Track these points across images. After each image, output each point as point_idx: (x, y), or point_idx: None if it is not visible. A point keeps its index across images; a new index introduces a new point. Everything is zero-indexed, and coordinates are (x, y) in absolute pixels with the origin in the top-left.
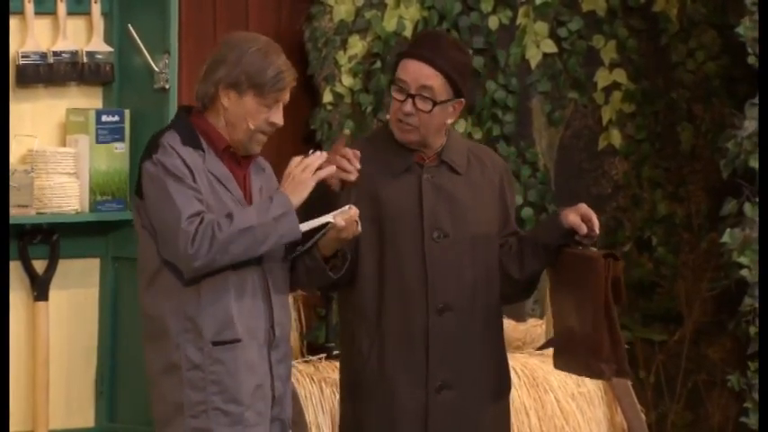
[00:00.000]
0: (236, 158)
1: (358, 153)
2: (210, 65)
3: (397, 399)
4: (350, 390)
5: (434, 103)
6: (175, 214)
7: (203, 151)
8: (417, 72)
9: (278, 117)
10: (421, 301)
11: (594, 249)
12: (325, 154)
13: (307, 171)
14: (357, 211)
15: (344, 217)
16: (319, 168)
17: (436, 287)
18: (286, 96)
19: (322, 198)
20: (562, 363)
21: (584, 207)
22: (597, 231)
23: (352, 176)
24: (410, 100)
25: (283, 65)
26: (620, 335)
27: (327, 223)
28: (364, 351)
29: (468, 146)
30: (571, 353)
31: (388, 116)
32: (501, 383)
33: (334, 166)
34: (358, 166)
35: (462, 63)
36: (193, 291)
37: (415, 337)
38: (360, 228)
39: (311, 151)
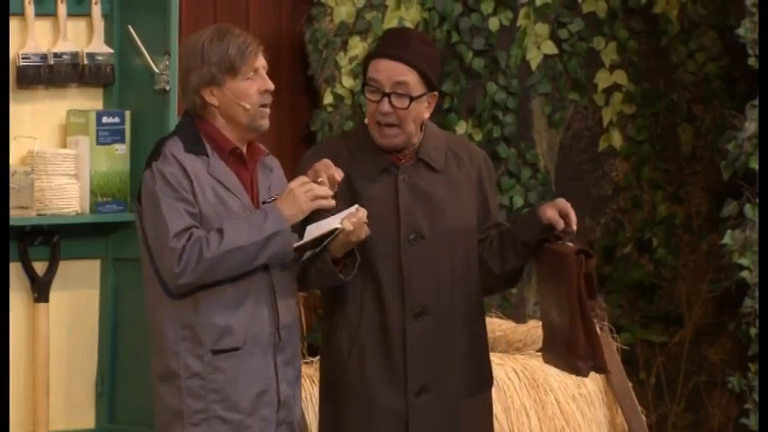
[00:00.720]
0: (243, 160)
1: (363, 212)
2: (183, 79)
3: (377, 402)
4: (330, 389)
5: (411, 99)
6: (164, 231)
7: (207, 156)
8: (390, 70)
9: (265, 83)
10: (398, 305)
11: (570, 244)
12: (341, 223)
13: (308, 195)
14: (365, 212)
15: (352, 220)
16: (320, 198)
17: (412, 291)
18: (261, 62)
19: None
20: (549, 357)
21: (561, 202)
22: (575, 226)
23: (332, 203)
24: (386, 99)
25: (240, 36)
26: (596, 330)
27: (336, 229)
28: (344, 352)
29: (446, 140)
30: (554, 347)
31: (368, 118)
32: (480, 381)
33: (333, 202)
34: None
35: (432, 56)
36: (191, 298)
37: (393, 340)
38: (368, 230)
39: (320, 180)
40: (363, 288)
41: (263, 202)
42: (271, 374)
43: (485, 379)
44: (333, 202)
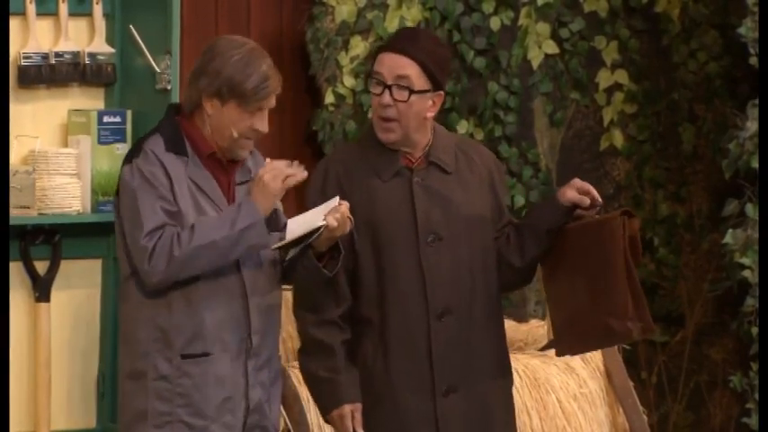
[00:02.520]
0: (222, 164)
1: (346, 206)
2: (194, 72)
3: (406, 406)
4: None
5: (411, 92)
6: (138, 228)
7: (187, 157)
8: (393, 63)
9: (262, 124)
10: (420, 307)
11: (597, 216)
12: (299, 166)
13: (276, 180)
14: (347, 206)
15: (336, 216)
16: (290, 176)
17: (434, 292)
18: (270, 103)
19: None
20: (567, 346)
21: (578, 181)
22: (600, 200)
23: (304, 174)
24: (387, 91)
25: (266, 72)
26: (642, 292)
27: (320, 227)
28: (369, 358)
29: (456, 141)
30: (582, 330)
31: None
32: (504, 378)
33: (305, 173)
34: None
35: (439, 54)
36: (164, 300)
37: (417, 342)
38: (352, 222)
39: (295, 163)
40: (383, 292)
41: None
42: (239, 381)
43: (508, 376)
44: (305, 174)
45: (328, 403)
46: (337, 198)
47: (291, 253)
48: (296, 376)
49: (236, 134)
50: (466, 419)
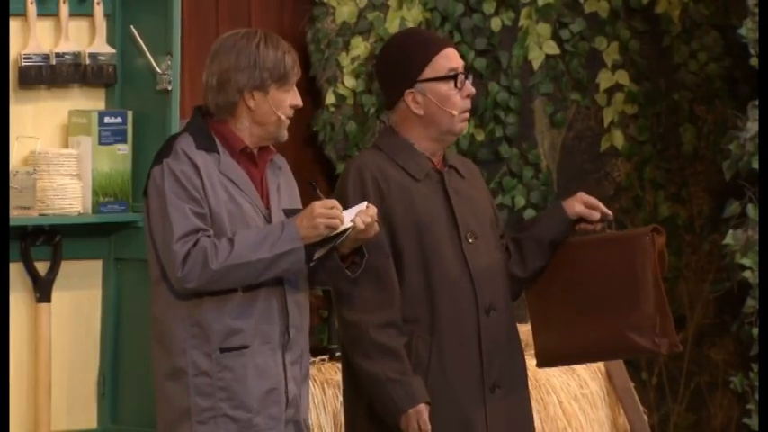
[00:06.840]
0: (253, 159)
1: (374, 209)
2: (222, 75)
3: (462, 403)
4: None
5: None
6: (169, 232)
7: (218, 154)
8: (455, 56)
9: (297, 98)
10: (470, 302)
11: (613, 231)
12: (367, 208)
13: (327, 228)
14: (375, 210)
15: (365, 219)
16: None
17: (481, 287)
18: (299, 76)
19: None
20: (557, 357)
21: (584, 195)
22: (610, 214)
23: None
24: (468, 81)
25: (286, 46)
26: (668, 310)
27: (348, 228)
28: (423, 358)
29: (454, 152)
30: (585, 343)
31: (452, 111)
32: (526, 376)
33: (352, 225)
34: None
35: None
36: (198, 297)
37: (468, 338)
38: (378, 228)
39: (362, 206)
40: (432, 290)
41: (284, 210)
42: (279, 373)
43: (527, 374)
44: (348, 227)
45: (402, 403)
46: (365, 203)
47: (318, 254)
48: None
49: (283, 117)
50: (508, 417)
